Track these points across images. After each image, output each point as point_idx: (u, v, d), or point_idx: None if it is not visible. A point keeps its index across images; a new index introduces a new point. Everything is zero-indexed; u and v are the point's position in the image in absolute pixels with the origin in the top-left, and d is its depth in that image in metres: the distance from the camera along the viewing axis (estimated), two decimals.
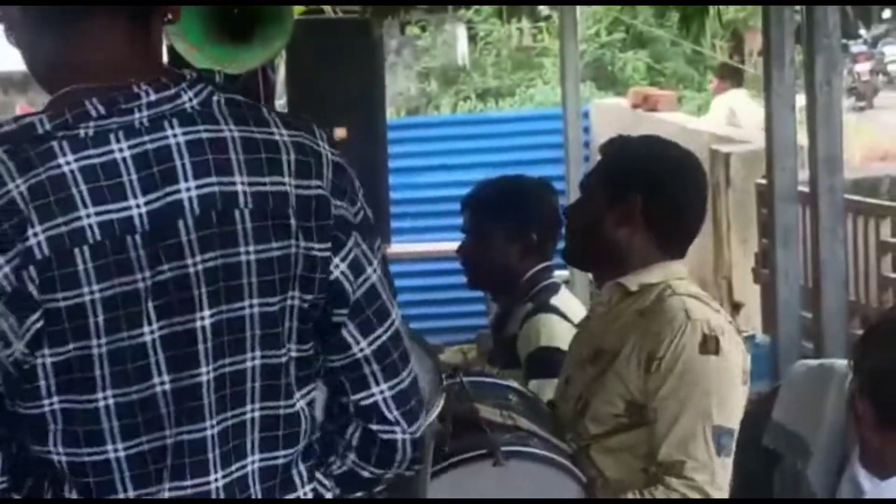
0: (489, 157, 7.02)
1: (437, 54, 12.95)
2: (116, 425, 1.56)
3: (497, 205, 3.43)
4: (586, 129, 6.90)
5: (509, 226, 3.38)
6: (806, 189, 3.97)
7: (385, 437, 1.69)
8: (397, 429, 1.69)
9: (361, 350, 1.69)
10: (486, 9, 10.10)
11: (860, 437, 2.36)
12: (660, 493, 2.58)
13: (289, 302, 1.62)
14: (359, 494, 1.78)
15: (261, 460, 1.62)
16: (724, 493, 2.66)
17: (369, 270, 1.65)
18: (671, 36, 10.81)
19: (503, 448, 2.55)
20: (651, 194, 2.70)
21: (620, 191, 2.69)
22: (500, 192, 3.49)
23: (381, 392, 1.68)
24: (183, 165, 1.54)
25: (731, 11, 4.98)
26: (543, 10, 6.40)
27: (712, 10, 4.51)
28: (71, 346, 1.51)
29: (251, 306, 1.60)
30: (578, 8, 6.28)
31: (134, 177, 1.52)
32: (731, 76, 9.32)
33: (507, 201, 3.46)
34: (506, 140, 7.84)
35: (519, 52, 12.66)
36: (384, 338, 1.69)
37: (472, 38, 12.79)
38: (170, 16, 1.62)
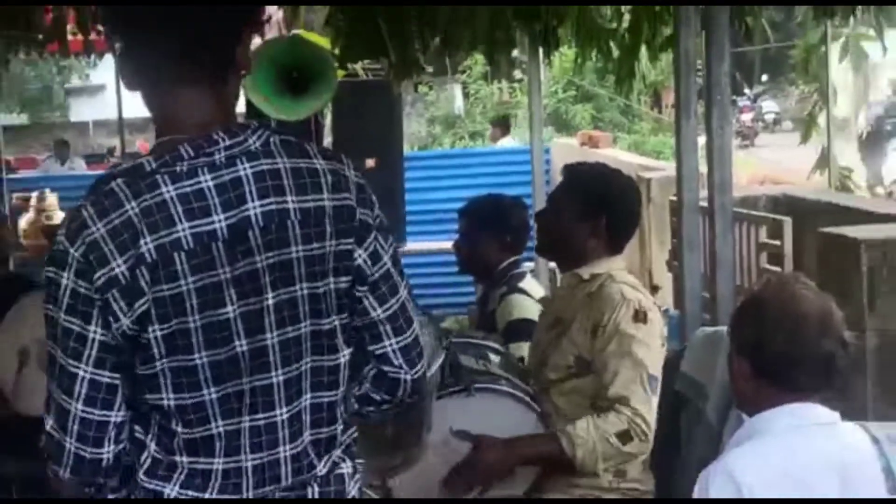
0: (477, 180, 8.31)
1: (441, 106, 15.87)
2: (209, 376, 1.85)
3: (482, 215, 4.19)
4: (547, 161, 8.22)
5: (490, 230, 4.11)
6: (705, 204, 4.38)
7: (392, 375, 2.02)
8: (401, 371, 2.02)
9: (377, 315, 2.00)
10: (477, 72, 12.82)
11: (736, 386, 2.61)
12: (611, 416, 3.11)
13: (329, 286, 1.92)
14: (371, 410, 2.12)
15: (312, 398, 1.93)
16: (654, 421, 3.17)
17: (384, 259, 1.96)
18: (609, 93, 13.29)
19: (475, 385, 3.18)
20: (612, 213, 3.31)
21: (591, 210, 3.29)
22: (484, 206, 4.26)
23: (391, 344, 2.01)
24: (250, 191, 1.82)
25: (652, 75, 5.72)
26: (517, 74, 7.66)
27: (639, 73, 5.14)
28: (174, 322, 1.81)
29: (301, 289, 1.89)
30: (542, 73, 7.34)
31: (216, 200, 1.81)
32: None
33: (490, 213, 4.21)
34: (489, 168, 9.56)
35: (499, 105, 15.08)
36: (395, 307, 2.01)
37: (466, 95, 15.54)
38: (243, 71, 1.93)
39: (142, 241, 1.79)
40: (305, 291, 1.90)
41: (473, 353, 3.46)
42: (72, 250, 1.80)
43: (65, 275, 1.81)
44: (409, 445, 3.05)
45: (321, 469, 2.01)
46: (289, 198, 1.85)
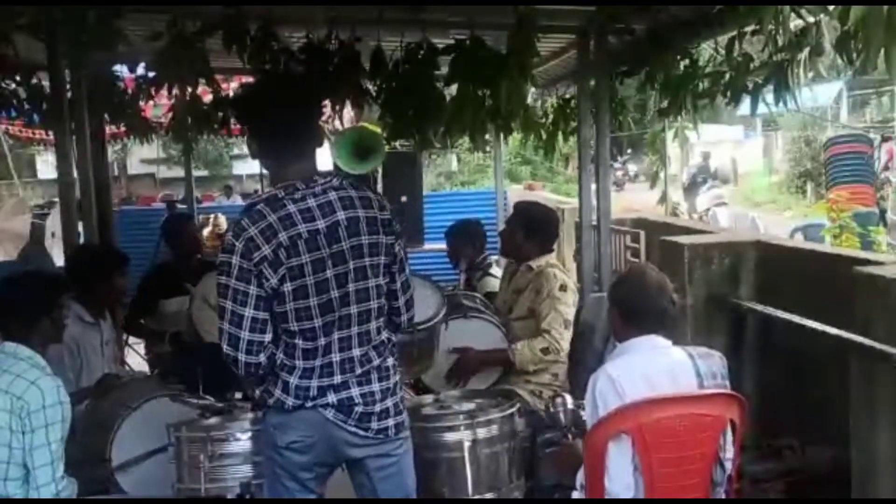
0: (464, 207, 10.06)
1: (443, 164, 20.88)
2: (318, 311, 2.59)
3: (461, 232, 5.62)
4: (505, 198, 10.12)
5: (466, 240, 5.53)
6: (595, 223, 5.47)
7: (396, 318, 2.85)
8: (403, 316, 2.86)
9: (396, 283, 2.79)
10: (464, 146, 16.11)
11: (612, 325, 3.09)
12: (539, 339, 4.27)
13: (381, 260, 2.70)
14: (387, 334, 2.78)
15: (375, 323, 2.73)
16: (567, 346, 4.30)
17: (398, 250, 2.74)
18: (540, 160, 18.15)
19: (470, 313, 4.42)
20: (543, 229, 4.55)
21: (531, 228, 4.54)
22: (462, 226, 5.68)
23: (399, 301, 2.83)
24: (337, 207, 2.58)
25: (565, 149, 7.11)
26: (488, 148, 9.84)
27: (557, 148, 6.35)
28: (298, 281, 2.54)
29: (366, 261, 2.65)
30: (502, 147, 9.48)
31: (318, 212, 2.56)
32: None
33: (465, 231, 5.63)
34: (473, 202, 11.52)
35: (479, 164, 20.10)
36: (404, 278, 2.81)
37: (458, 159, 20.49)
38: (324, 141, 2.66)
39: (279, 235, 2.51)
40: (367, 262, 2.64)
41: (469, 300, 4.77)
42: (237, 243, 2.52)
43: (234, 258, 2.53)
44: (425, 360, 4.09)
45: (376, 362, 2.72)
46: (359, 211, 2.62)
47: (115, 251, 4.71)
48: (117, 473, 3.52)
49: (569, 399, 3.43)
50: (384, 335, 2.76)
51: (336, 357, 2.65)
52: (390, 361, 2.76)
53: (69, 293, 3.49)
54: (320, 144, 2.71)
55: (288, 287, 2.55)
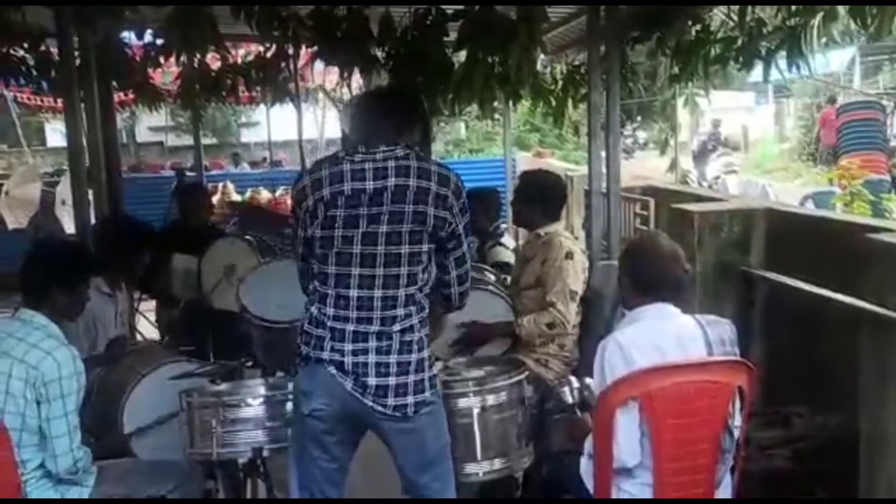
0: (475, 177, 10.14)
1: (452, 132, 20.72)
2: (335, 260, 2.75)
3: (478, 200, 5.23)
4: (514, 166, 10.60)
5: (482, 208, 5.41)
6: (604, 191, 5.42)
7: (445, 290, 2.96)
8: (453, 289, 2.96)
9: (449, 258, 2.87)
10: (474, 112, 16.41)
11: (622, 293, 3.08)
12: (545, 314, 4.16)
13: (425, 230, 2.72)
14: (418, 306, 2.78)
15: (404, 290, 2.75)
16: (573, 319, 4.17)
17: (459, 228, 2.83)
18: (549, 127, 17.73)
19: (476, 285, 3.80)
20: (550, 197, 4.44)
21: (539, 200, 4.39)
22: (478, 194, 5.45)
23: (451, 275, 2.94)
24: (390, 173, 2.70)
25: (574, 116, 7.06)
26: (497, 115, 9.87)
27: (567, 115, 6.30)
28: (327, 230, 2.73)
29: (404, 227, 2.72)
30: (511, 115, 9.60)
31: (371, 175, 2.71)
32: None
33: (482, 198, 5.55)
34: (482, 169, 12.44)
35: (488, 132, 20.04)
36: (459, 254, 2.89)
37: (467, 127, 20.32)
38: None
39: (324, 189, 2.72)
40: (406, 228, 2.72)
41: (477, 271, 4.47)
42: (293, 190, 2.82)
43: (294, 204, 2.81)
44: (433, 330, 3.54)
45: (397, 327, 2.74)
46: (411, 181, 2.72)
47: (143, 224, 4.74)
48: (131, 439, 3.58)
49: (574, 381, 3.44)
50: (414, 307, 2.76)
51: (353, 314, 2.72)
52: (416, 336, 2.76)
53: (94, 273, 3.50)
54: (407, 137, 2.82)
55: (318, 233, 2.73)
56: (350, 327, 2.71)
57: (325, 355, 2.74)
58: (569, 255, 4.27)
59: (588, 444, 3.00)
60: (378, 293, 2.71)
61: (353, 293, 2.71)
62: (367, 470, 3.09)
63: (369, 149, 2.72)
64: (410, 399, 2.74)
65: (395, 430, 2.79)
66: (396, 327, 2.71)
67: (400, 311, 2.73)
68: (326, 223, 2.70)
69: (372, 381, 2.71)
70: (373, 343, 2.71)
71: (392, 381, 2.72)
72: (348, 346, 2.71)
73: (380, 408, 2.73)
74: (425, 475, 2.84)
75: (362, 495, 3.18)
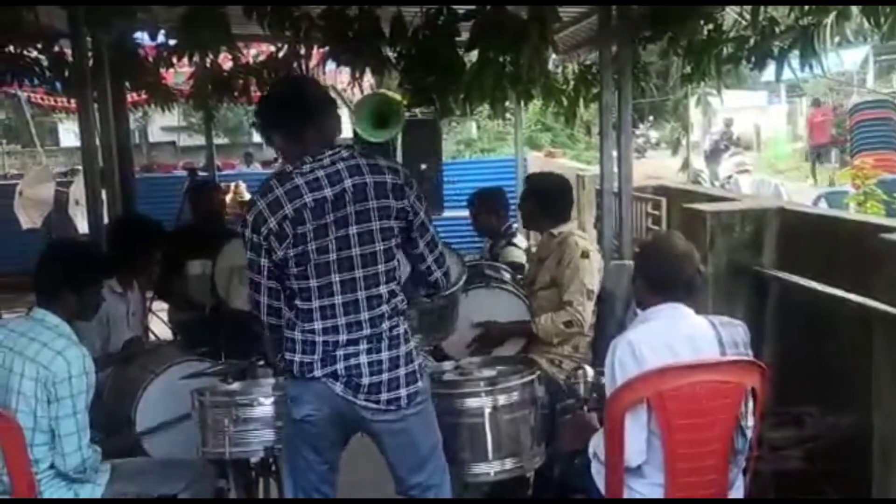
0: (485, 176, 10.33)
1: (463, 132, 20.38)
2: (315, 273, 2.71)
3: (484, 199, 5.48)
4: (525, 166, 10.25)
5: (490, 208, 5.40)
6: (616, 190, 5.48)
7: (429, 277, 2.95)
8: (436, 273, 2.93)
9: (418, 246, 2.86)
10: (484, 113, 16.37)
11: (635, 293, 3.08)
12: (562, 312, 4.13)
13: (392, 224, 2.74)
14: (423, 292, 2.93)
15: (386, 287, 2.76)
16: (590, 318, 4.19)
17: (420, 213, 2.80)
18: (560, 127, 17.51)
19: (492, 283, 4.37)
20: (556, 200, 4.45)
21: (545, 205, 4.43)
22: (484, 193, 5.54)
23: (427, 261, 2.91)
24: (344, 175, 2.67)
25: (586, 115, 7.02)
26: (508, 115, 9.97)
27: (578, 114, 6.35)
28: (300, 247, 2.68)
29: (374, 225, 2.71)
30: (522, 114, 9.54)
31: (326, 182, 2.67)
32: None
33: (489, 198, 5.48)
34: (492, 169, 12.28)
35: (499, 132, 19.77)
36: (428, 238, 2.85)
37: (478, 126, 20.10)
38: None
39: (285, 208, 2.66)
40: (376, 226, 2.72)
41: (493, 269, 4.77)
42: (248, 217, 2.71)
43: (247, 231, 2.71)
44: (445, 327, 4.03)
45: (385, 325, 2.74)
46: (366, 177, 2.71)
47: (156, 224, 4.73)
48: (143, 438, 3.59)
49: (590, 371, 3.42)
50: (397, 301, 2.79)
51: (342, 321, 2.72)
52: (401, 329, 2.79)
53: (106, 276, 3.49)
54: (332, 134, 2.79)
55: (291, 252, 2.68)
56: (343, 337, 2.73)
57: (318, 373, 2.75)
58: (584, 255, 4.26)
59: (592, 445, 2.99)
60: (362, 294, 2.73)
61: (338, 300, 2.72)
62: (350, 466, 3.08)
63: (315, 157, 2.72)
64: (403, 392, 2.77)
65: (386, 430, 2.80)
66: (385, 325, 2.74)
67: (385, 308, 2.76)
68: (298, 240, 2.69)
69: (365, 380, 2.74)
70: (363, 345, 2.74)
71: (385, 376, 2.75)
72: (340, 352, 2.73)
73: (373, 405, 2.74)
74: (419, 475, 2.85)
75: (350, 490, 3.15)
